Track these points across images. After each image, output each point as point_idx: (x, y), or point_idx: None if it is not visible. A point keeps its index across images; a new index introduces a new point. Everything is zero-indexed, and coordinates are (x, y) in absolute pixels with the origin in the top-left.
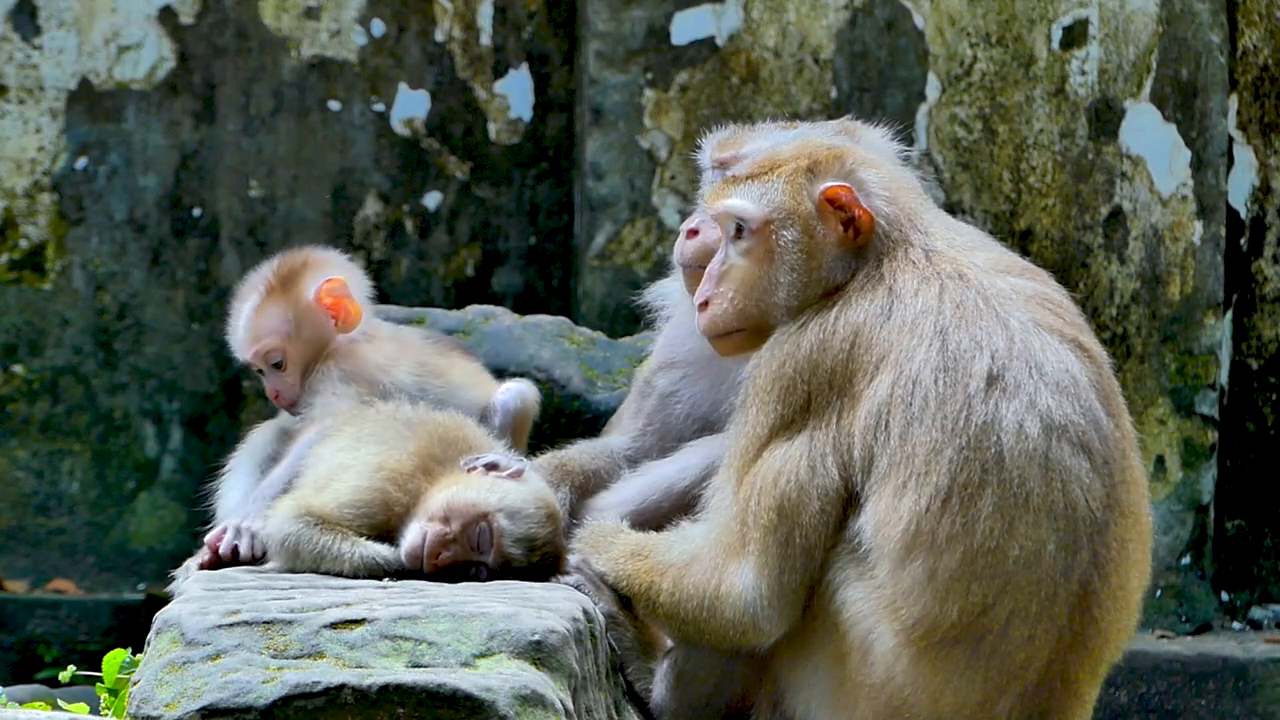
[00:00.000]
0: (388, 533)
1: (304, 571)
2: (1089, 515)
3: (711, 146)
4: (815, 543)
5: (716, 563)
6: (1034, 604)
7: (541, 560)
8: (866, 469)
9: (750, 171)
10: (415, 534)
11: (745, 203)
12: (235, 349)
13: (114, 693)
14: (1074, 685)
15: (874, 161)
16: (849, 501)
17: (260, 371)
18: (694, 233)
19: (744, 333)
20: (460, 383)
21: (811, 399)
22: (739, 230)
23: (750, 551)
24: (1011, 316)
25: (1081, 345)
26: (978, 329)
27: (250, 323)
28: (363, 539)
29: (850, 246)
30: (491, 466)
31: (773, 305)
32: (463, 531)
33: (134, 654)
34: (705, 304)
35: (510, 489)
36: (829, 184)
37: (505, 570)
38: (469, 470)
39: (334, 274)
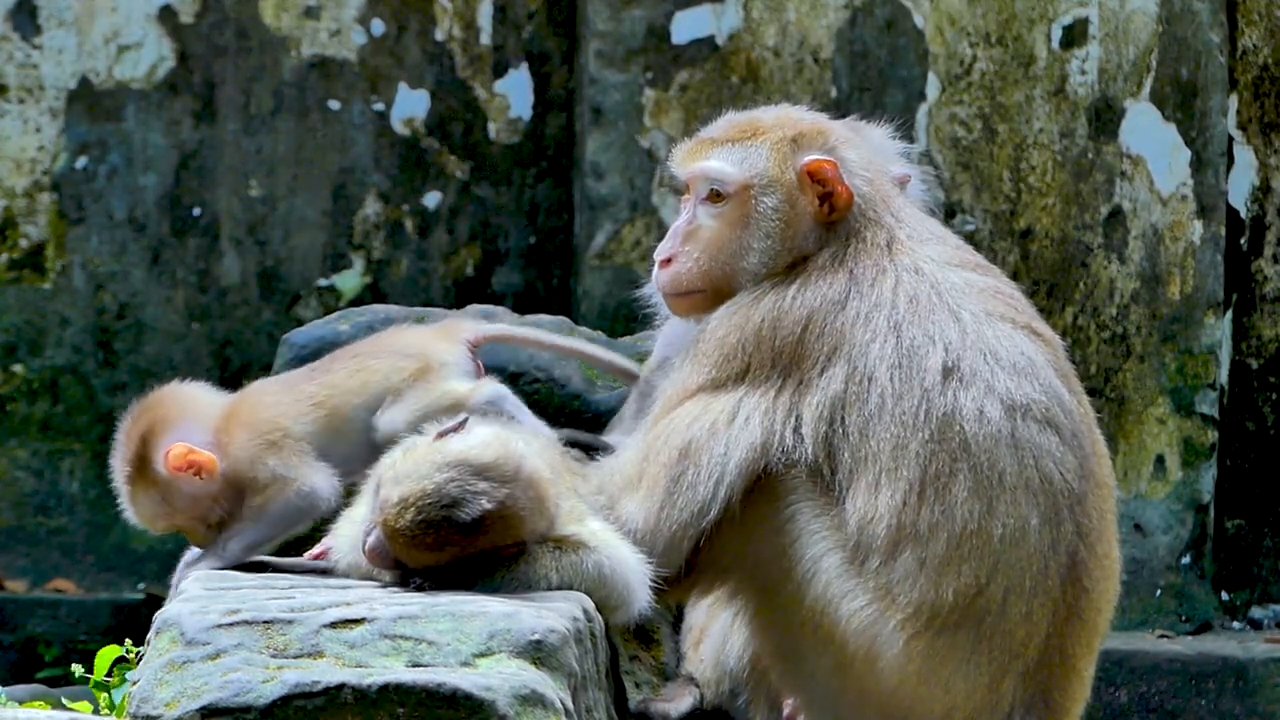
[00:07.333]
0: None
1: None
2: (1066, 487)
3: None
4: (708, 491)
5: (613, 496)
6: (1027, 579)
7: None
8: (825, 456)
9: (730, 135)
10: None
11: (724, 165)
12: None
13: (102, 686)
14: (1072, 660)
15: (854, 142)
16: (761, 476)
17: None
18: (668, 262)
19: (705, 294)
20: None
21: (750, 370)
22: (714, 194)
23: (643, 486)
24: (963, 309)
25: (1035, 330)
26: (930, 323)
27: (134, 513)
28: None
29: (824, 221)
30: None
31: (740, 270)
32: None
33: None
34: (668, 261)
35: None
36: (813, 157)
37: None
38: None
39: (173, 436)
